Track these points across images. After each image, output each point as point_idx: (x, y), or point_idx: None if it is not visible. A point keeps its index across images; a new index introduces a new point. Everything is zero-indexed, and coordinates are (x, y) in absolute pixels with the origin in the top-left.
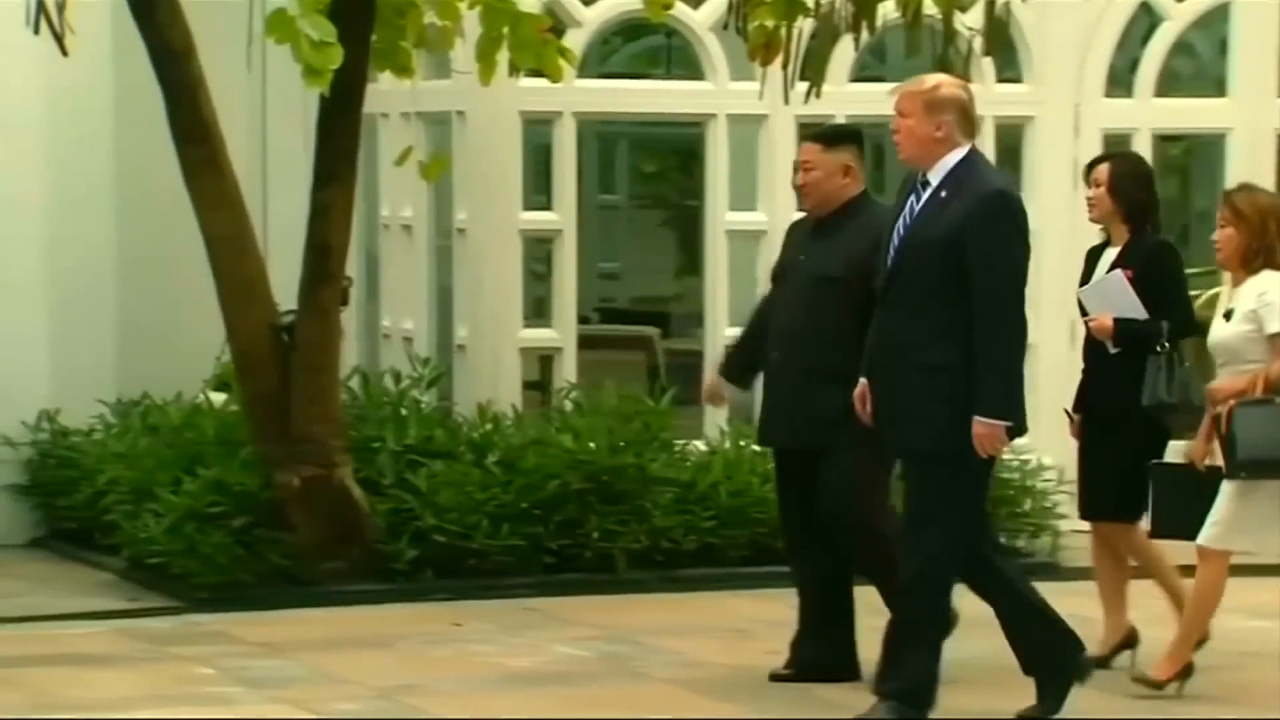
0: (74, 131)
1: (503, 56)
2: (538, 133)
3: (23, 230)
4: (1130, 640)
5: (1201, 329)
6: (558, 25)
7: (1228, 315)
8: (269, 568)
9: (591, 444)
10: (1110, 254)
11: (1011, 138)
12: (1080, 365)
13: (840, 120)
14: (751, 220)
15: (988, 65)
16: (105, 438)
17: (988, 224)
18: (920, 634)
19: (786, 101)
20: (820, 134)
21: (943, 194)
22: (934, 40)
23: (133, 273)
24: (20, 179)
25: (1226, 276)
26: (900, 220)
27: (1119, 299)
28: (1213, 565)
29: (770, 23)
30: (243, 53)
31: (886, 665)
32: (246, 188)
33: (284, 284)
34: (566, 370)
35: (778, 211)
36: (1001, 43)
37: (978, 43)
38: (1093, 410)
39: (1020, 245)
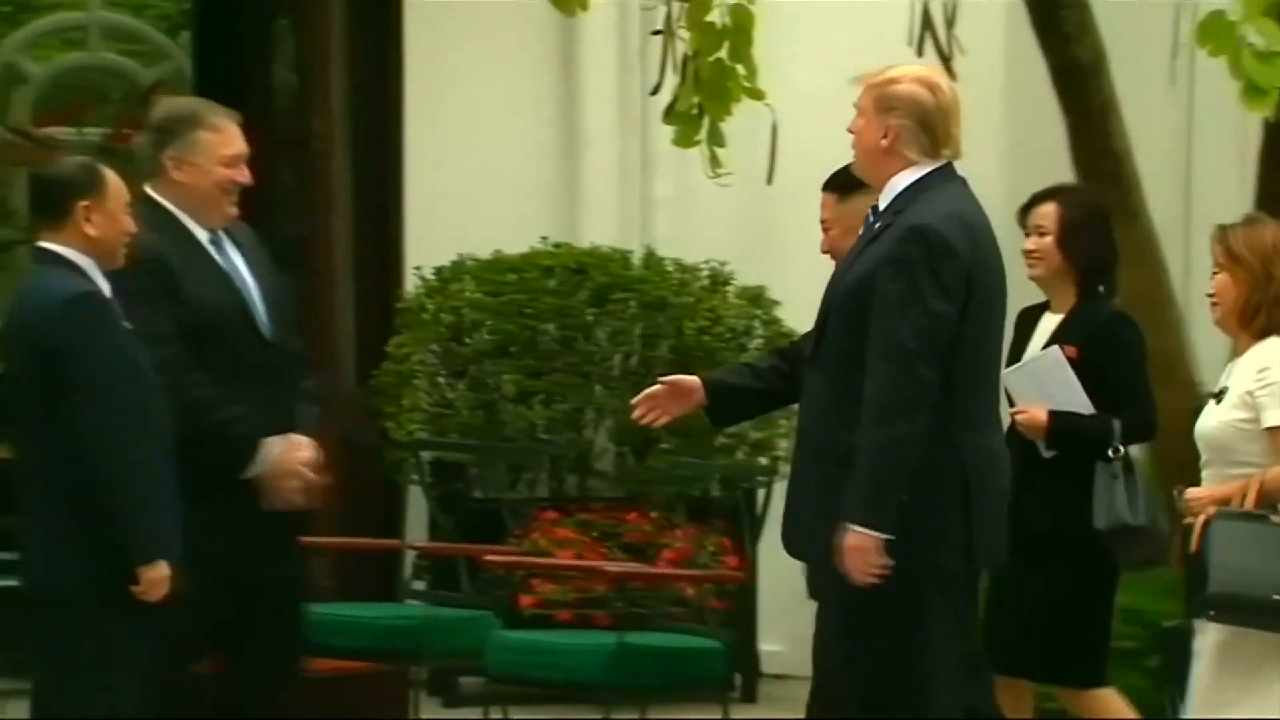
0: (960, 167)
1: None
2: None
3: None
4: None
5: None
6: None
7: (1219, 396)
8: None
9: None
10: (1049, 322)
11: None
12: None
13: None
14: None
15: None
16: None
17: (894, 270)
18: None
19: None
20: (834, 179)
21: (877, 226)
22: None
23: None
24: None
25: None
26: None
27: (1055, 385)
28: None
29: None
30: (1164, 66)
31: None
32: (1166, 237)
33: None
34: None
35: None
36: None
37: None
38: (1019, 531)
39: (927, 302)
